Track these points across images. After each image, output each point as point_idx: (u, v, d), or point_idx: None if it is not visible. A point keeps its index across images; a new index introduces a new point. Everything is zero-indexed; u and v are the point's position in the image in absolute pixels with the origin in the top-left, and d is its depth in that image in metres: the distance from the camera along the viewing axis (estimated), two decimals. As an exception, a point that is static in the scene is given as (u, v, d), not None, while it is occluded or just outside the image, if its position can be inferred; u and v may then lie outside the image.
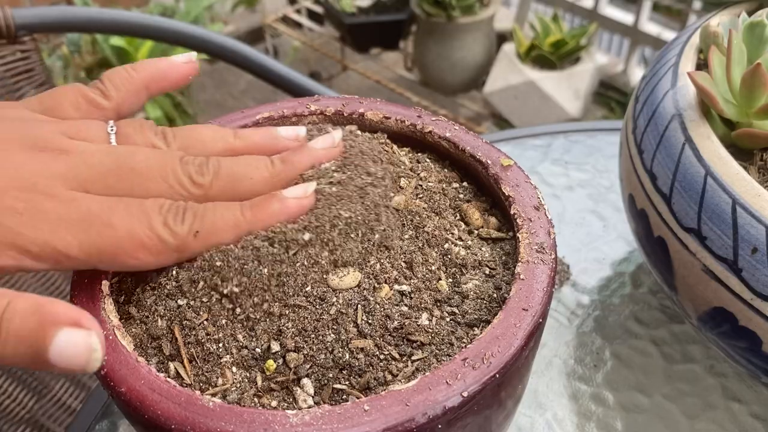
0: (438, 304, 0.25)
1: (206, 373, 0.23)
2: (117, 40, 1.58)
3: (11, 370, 0.59)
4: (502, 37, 1.73)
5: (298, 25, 2.07)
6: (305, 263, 0.25)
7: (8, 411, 0.58)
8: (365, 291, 0.25)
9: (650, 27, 1.53)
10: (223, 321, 0.24)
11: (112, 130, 0.26)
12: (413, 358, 0.23)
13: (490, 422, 0.24)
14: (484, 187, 0.30)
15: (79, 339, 0.20)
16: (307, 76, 0.67)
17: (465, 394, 0.22)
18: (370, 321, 0.24)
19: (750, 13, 0.34)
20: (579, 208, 0.49)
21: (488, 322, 0.24)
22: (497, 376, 0.22)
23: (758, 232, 0.27)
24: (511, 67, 1.56)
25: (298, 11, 2.07)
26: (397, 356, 0.23)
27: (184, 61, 0.29)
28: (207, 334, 0.24)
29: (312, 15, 2.05)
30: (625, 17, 1.57)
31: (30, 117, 0.25)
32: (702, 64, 0.35)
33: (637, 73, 1.61)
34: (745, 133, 0.30)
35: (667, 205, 0.31)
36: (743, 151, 0.30)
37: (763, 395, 0.37)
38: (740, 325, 0.29)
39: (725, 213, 0.28)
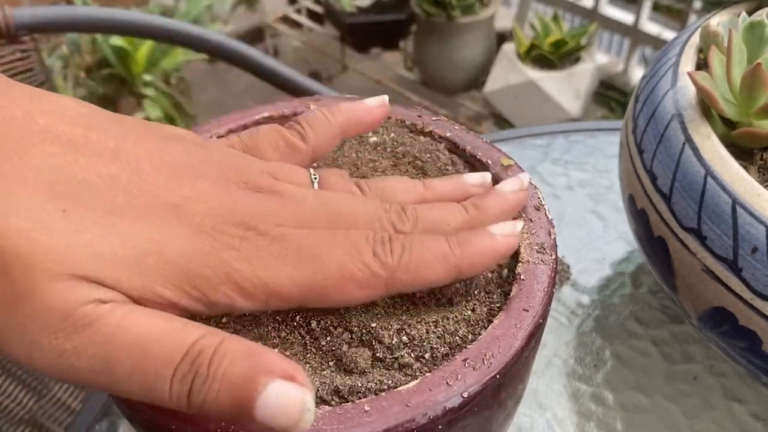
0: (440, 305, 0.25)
1: None
2: (117, 40, 1.58)
3: (11, 369, 0.59)
4: (502, 37, 1.73)
5: (298, 25, 2.07)
6: None
7: (8, 411, 0.58)
8: None
9: (650, 27, 1.53)
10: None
11: (315, 177, 0.26)
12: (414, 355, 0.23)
13: (490, 422, 0.24)
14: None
15: (293, 394, 0.18)
16: (307, 76, 0.67)
17: (465, 394, 0.22)
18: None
19: (750, 13, 0.34)
20: (579, 208, 0.49)
21: (489, 321, 0.24)
22: (498, 376, 0.22)
23: (758, 232, 0.27)
24: (511, 67, 1.56)
25: (298, 11, 2.07)
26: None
27: (378, 104, 0.29)
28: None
29: (312, 15, 2.05)
30: (625, 17, 1.57)
31: (239, 155, 0.25)
32: (702, 64, 0.35)
33: (637, 73, 1.61)
34: (745, 132, 0.30)
35: (667, 205, 0.31)
36: (743, 150, 0.30)
37: (763, 395, 0.37)
38: (740, 325, 0.29)
39: (725, 213, 0.28)
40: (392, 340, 0.23)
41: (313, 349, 0.23)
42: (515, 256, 0.27)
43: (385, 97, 0.29)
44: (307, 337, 0.24)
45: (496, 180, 0.29)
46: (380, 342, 0.23)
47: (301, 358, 0.23)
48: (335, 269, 0.22)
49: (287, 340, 0.24)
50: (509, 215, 0.27)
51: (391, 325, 0.24)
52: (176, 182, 0.22)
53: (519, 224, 0.26)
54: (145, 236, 0.20)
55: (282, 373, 0.18)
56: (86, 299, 0.19)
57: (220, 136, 0.31)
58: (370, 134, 0.32)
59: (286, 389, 0.18)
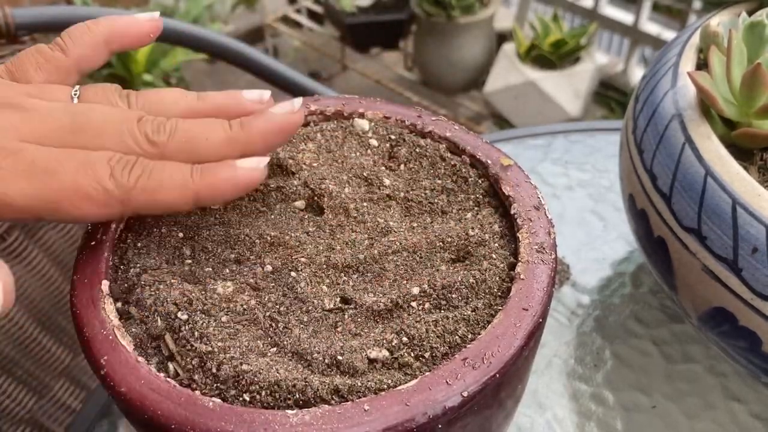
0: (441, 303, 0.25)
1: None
2: (117, 40, 1.58)
3: (11, 370, 0.59)
4: (502, 37, 1.73)
5: (298, 25, 2.07)
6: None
7: (8, 411, 0.58)
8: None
9: (650, 27, 1.53)
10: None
11: (75, 93, 0.26)
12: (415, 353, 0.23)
13: (490, 422, 0.24)
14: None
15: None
16: (307, 76, 0.67)
17: (465, 393, 0.22)
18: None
19: (750, 13, 0.34)
20: (579, 208, 0.49)
21: (488, 321, 0.24)
22: (497, 375, 0.22)
23: (758, 232, 0.27)
24: (511, 67, 1.56)
25: (298, 11, 2.07)
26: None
27: (147, 18, 0.29)
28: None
29: (312, 15, 2.05)
30: (625, 17, 1.57)
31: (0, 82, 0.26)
32: (702, 64, 0.35)
33: (637, 73, 1.61)
34: (745, 132, 0.30)
35: (667, 205, 0.31)
36: (743, 150, 0.30)
37: (763, 395, 0.37)
38: (740, 325, 0.29)
39: (725, 213, 0.28)
40: (392, 340, 0.23)
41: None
42: (515, 256, 0.26)
43: (156, 13, 0.30)
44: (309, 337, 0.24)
45: (496, 180, 0.29)
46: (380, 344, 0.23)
47: (303, 358, 0.23)
48: (68, 185, 0.23)
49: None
50: (275, 138, 0.27)
51: (391, 326, 0.24)
52: None
53: (264, 160, 0.26)
54: None
55: None
56: None
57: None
58: (371, 135, 0.32)
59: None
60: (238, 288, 0.26)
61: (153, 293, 0.25)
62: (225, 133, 0.26)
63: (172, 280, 0.25)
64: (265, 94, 0.28)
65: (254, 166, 0.25)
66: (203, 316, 0.24)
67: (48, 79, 0.27)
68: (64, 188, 0.23)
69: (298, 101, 0.27)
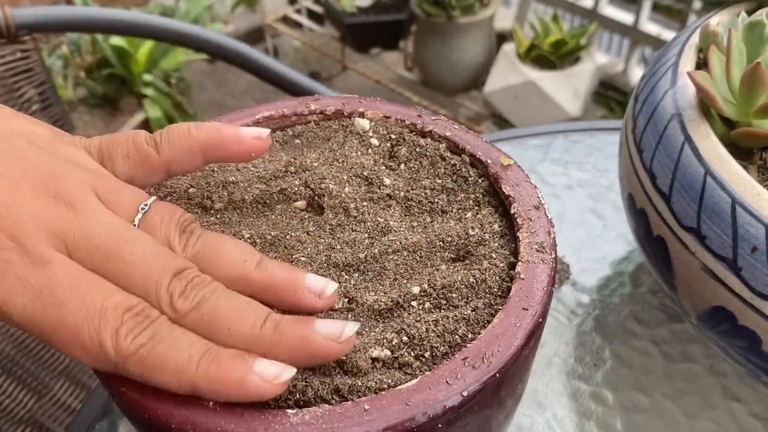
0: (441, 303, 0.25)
1: None
2: (117, 40, 1.58)
3: (11, 369, 0.59)
4: (502, 37, 1.73)
5: (298, 25, 2.07)
6: None
7: (8, 411, 0.58)
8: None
9: (650, 27, 1.53)
10: None
11: (143, 208, 0.24)
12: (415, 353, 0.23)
13: (490, 421, 0.24)
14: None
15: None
16: (307, 76, 0.67)
17: (465, 393, 0.22)
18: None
19: (750, 13, 0.34)
20: (579, 207, 0.49)
21: (488, 320, 0.24)
22: (497, 375, 0.22)
23: (758, 231, 0.27)
24: (511, 67, 1.56)
25: (298, 11, 2.07)
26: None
27: (253, 135, 0.27)
28: None
29: (312, 15, 2.05)
30: (625, 17, 1.57)
31: (75, 161, 0.24)
32: (702, 64, 0.35)
33: (637, 73, 1.61)
34: (745, 132, 0.30)
35: (666, 205, 0.31)
36: (743, 150, 0.30)
37: (763, 395, 0.37)
38: (740, 324, 0.29)
39: (725, 212, 0.28)
40: (392, 340, 0.23)
41: None
42: (515, 255, 0.27)
43: (266, 131, 0.27)
44: None
45: (496, 179, 0.29)
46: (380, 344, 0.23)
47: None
48: (69, 326, 0.21)
49: None
50: (302, 360, 0.22)
51: (391, 326, 0.24)
52: None
53: (289, 372, 0.21)
54: None
55: None
56: None
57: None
58: (371, 134, 0.32)
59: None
60: None
61: None
62: (252, 330, 0.22)
63: None
64: (330, 288, 0.24)
65: (272, 378, 0.21)
66: None
67: (132, 171, 0.26)
68: (62, 326, 0.21)
69: (351, 328, 0.22)
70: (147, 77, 1.63)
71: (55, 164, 0.23)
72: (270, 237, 0.27)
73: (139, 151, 0.26)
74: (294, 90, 0.66)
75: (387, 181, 0.30)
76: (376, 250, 0.27)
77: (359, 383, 0.22)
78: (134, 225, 0.24)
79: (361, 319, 0.25)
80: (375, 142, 0.31)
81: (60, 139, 0.25)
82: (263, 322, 0.22)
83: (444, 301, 0.25)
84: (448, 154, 0.31)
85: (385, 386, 0.22)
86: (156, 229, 0.24)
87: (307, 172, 0.30)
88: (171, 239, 0.24)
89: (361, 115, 0.33)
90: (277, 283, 0.24)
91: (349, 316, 0.25)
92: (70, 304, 0.21)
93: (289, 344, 0.22)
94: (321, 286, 0.24)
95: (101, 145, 0.26)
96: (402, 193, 0.29)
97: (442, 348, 0.23)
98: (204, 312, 0.22)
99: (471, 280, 0.25)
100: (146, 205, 0.24)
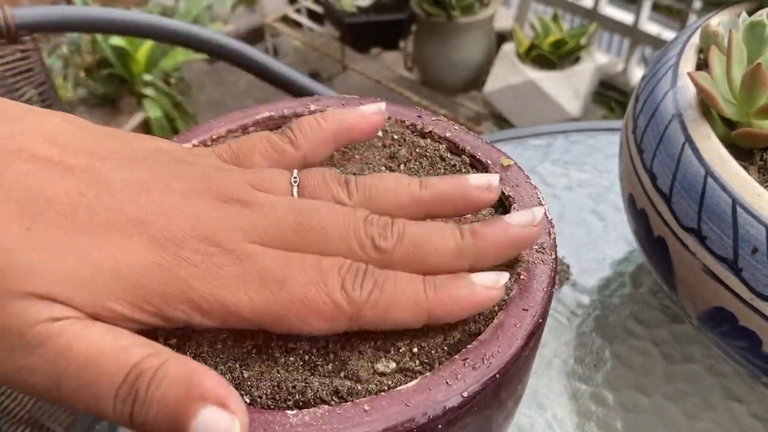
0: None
1: None
2: (117, 40, 1.58)
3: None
4: (502, 37, 1.73)
5: (298, 25, 2.07)
6: None
7: (8, 411, 0.58)
8: None
9: (650, 27, 1.53)
10: None
11: (295, 181, 0.25)
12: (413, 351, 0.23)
13: (490, 422, 0.24)
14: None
15: (222, 421, 0.18)
16: (307, 76, 0.67)
17: (465, 394, 0.22)
18: None
19: (750, 13, 0.34)
20: (579, 208, 0.49)
21: (488, 321, 0.24)
22: (497, 376, 0.22)
23: (758, 232, 0.27)
24: (511, 67, 1.56)
25: (298, 11, 2.07)
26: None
27: (374, 111, 0.28)
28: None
29: (312, 15, 2.05)
30: (625, 17, 1.57)
31: (219, 166, 0.25)
32: (702, 64, 0.35)
33: (637, 73, 1.61)
34: (745, 132, 0.30)
35: (667, 205, 0.31)
36: (743, 150, 0.30)
37: (763, 395, 0.37)
38: (740, 325, 0.29)
39: (725, 213, 0.28)
40: (400, 347, 0.23)
41: (316, 351, 0.23)
42: (515, 256, 0.26)
43: (382, 105, 0.29)
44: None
45: None
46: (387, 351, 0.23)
47: (306, 361, 0.23)
48: (298, 299, 0.22)
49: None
50: (510, 252, 0.25)
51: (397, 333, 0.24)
52: (143, 198, 0.22)
53: (504, 277, 0.24)
54: (102, 253, 0.21)
55: (215, 399, 0.19)
56: (40, 318, 0.19)
57: (219, 137, 0.31)
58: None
59: (217, 417, 0.18)
60: None
61: None
62: (455, 242, 0.24)
63: None
64: (494, 179, 0.26)
65: (492, 285, 0.23)
66: (197, 333, 0.24)
67: (269, 169, 0.26)
68: (293, 301, 0.21)
69: (540, 212, 0.25)
70: (147, 77, 1.63)
71: (207, 173, 0.24)
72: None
73: (276, 149, 0.27)
74: (294, 90, 0.66)
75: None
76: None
77: (359, 386, 0.22)
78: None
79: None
80: (375, 142, 0.31)
81: (194, 151, 0.26)
82: (461, 233, 0.24)
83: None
84: (448, 154, 0.31)
85: (385, 387, 0.22)
86: (318, 191, 0.25)
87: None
88: (336, 195, 0.25)
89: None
90: (446, 194, 0.25)
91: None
92: (290, 280, 0.22)
93: (494, 241, 0.24)
94: (485, 180, 0.26)
95: (232, 150, 0.26)
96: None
97: (444, 351, 0.23)
98: (406, 243, 0.23)
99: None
100: (295, 177, 0.25)
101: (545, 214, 0.28)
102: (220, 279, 0.21)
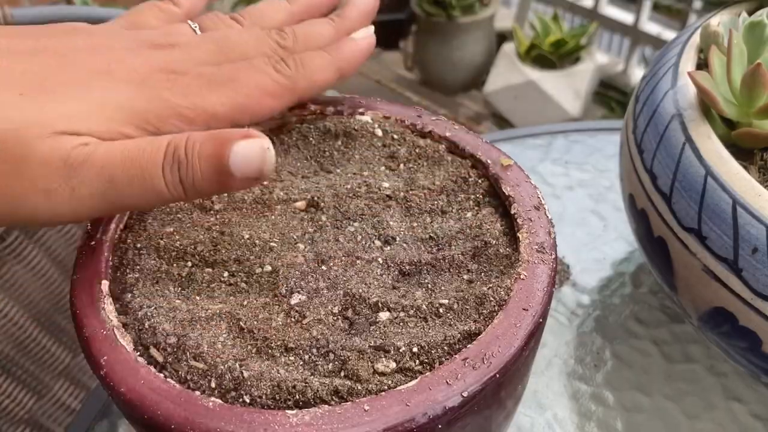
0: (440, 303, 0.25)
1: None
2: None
3: (11, 370, 0.59)
4: (502, 37, 1.73)
5: (298, 25, 2.07)
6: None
7: (8, 411, 0.58)
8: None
9: (650, 27, 1.53)
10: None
11: (195, 26, 0.30)
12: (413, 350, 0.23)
13: (490, 422, 0.24)
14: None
15: (253, 144, 0.23)
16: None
17: (465, 394, 0.22)
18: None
19: (750, 13, 0.34)
20: (579, 208, 0.49)
21: (489, 321, 0.24)
22: (497, 376, 0.22)
23: (758, 232, 0.27)
24: (511, 67, 1.56)
25: (298, 11, 2.07)
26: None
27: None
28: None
29: (312, 15, 2.05)
30: (625, 17, 1.57)
31: (131, 31, 0.29)
32: (702, 64, 0.35)
33: (637, 73, 1.61)
34: (746, 132, 0.30)
35: (667, 205, 0.31)
36: (743, 150, 0.30)
37: (763, 395, 0.37)
38: (740, 325, 0.29)
39: (725, 213, 0.28)
40: (400, 347, 0.23)
41: (316, 351, 0.23)
42: (516, 255, 0.26)
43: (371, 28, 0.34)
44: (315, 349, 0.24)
45: (496, 179, 0.29)
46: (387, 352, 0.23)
47: (308, 359, 0.23)
48: (253, 87, 0.28)
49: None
50: (369, 16, 0.33)
51: (396, 332, 0.24)
52: (98, 56, 0.26)
53: (370, 28, 0.32)
54: (96, 95, 0.25)
55: (240, 135, 0.23)
56: (73, 145, 0.23)
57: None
58: (377, 127, 0.32)
59: (248, 143, 0.23)
60: (238, 290, 0.26)
61: (145, 307, 0.24)
62: (331, 26, 0.32)
63: (167, 290, 0.25)
64: None
65: (367, 34, 0.32)
66: (197, 333, 0.24)
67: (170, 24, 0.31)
68: (250, 91, 0.27)
69: None
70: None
71: (129, 35, 0.29)
72: (269, 237, 0.27)
73: (164, 10, 0.32)
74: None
75: (387, 182, 0.30)
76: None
77: (359, 386, 0.22)
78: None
79: (365, 322, 0.25)
80: (375, 142, 0.31)
81: (105, 25, 0.30)
82: (332, 20, 0.32)
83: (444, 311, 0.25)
84: (448, 154, 0.31)
85: (385, 387, 0.22)
86: (216, 28, 0.31)
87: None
88: (233, 27, 0.31)
89: (361, 115, 0.32)
90: (311, 2, 0.34)
91: (354, 320, 0.25)
92: (243, 77, 0.28)
93: (356, 17, 0.33)
94: None
95: (128, 21, 0.31)
96: (402, 194, 0.29)
97: (444, 351, 0.23)
98: (301, 37, 0.31)
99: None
100: (194, 24, 0.31)
101: (543, 208, 0.28)
102: (193, 92, 0.26)
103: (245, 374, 0.22)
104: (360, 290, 0.25)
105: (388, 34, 1.83)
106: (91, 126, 0.24)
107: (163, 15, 0.31)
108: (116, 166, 0.23)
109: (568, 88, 1.51)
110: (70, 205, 0.23)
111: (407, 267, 0.26)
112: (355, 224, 0.28)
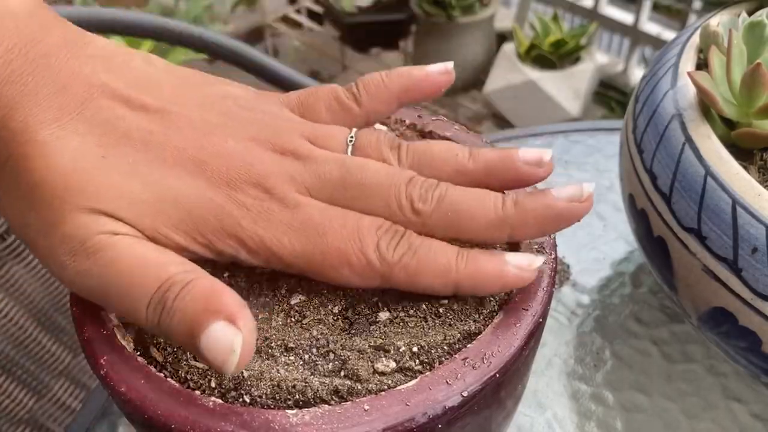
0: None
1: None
2: (117, 40, 1.58)
3: (11, 370, 0.59)
4: (502, 37, 1.73)
5: (298, 25, 2.07)
6: None
7: (8, 411, 0.58)
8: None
9: (650, 27, 1.53)
10: None
11: (351, 140, 0.26)
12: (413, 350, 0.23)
13: (490, 422, 0.24)
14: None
15: (225, 335, 0.20)
16: (307, 76, 0.67)
17: (465, 393, 0.22)
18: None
19: (750, 13, 0.34)
20: (579, 207, 0.49)
21: (489, 321, 0.24)
22: (497, 375, 0.22)
23: (758, 232, 0.27)
24: (511, 67, 1.56)
25: (298, 11, 2.07)
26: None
27: (440, 71, 0.28)
28: None
29: (312, 15, 2.05)
30: (625, 17, 1.57)
31: (280, 115, 0.27)
32: (702, 64, 0.35)
33: (637, 73, 1.61)
34: (745, 132, 0.30)
35: (667, 205, 0.31)
36: (743, 150, 0.30)
37: (763, 395, 0.37)
38: (740, 325, 0.29)
39: (725, 213, 0.28)
40: (400, 347, 0.23)
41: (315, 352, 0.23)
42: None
43: (450, 64, 0.29)
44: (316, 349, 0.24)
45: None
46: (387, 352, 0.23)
47: (308, 361, 0.23)
48: (334, 249, 0.23)
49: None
50: (552, 227, 0.24)
51: (397, 332, 0.24)
52: (206, 140, 0.24)
53: (539, 260, 0.24)
54: (165, 184, 0.23)
55: (226, 315, 0.20)
56: (102, 230, 0.22)
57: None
58: (380, 126, 0.32)
59: (223, 330, 0.20)
60: (237, 290, 0.26)
61: None
62: (495, 213, 0.24)
63: None
64: (546, 155, 0.25)
65: (526, 266, 0.24)
66: None
67: (334, 123, 0.27)
68: (329, 251, 0.23)
69: (589, 187, 0.25)
70: (147, 77, 1.62)
71: (269, 123, 0.26)
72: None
73: (341, 104, 0.28)
74: (294, 90, 0.66)
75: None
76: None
77: (359, 386, 0.22)
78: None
79: (365, 322, 0.25)
80: None
81: (262, 98, 0.27)
82: (503, 202, 0.24)
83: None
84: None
85: (385, 387, 0.22)
86: (369, 152, 0.26)
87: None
88: (386, 157, 0.26)
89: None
90: (493, 166, 0.25)
91: (354, 320, 0.25)
92: (330, 232, 0.23)
93: (536, 215, 0.24)
94: (537, 156, 0.25)
95: (300, 99, 0.28)
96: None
97: (444, 351, 0.23)
98: (445, 208, 0.24)
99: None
100: (352, 136, 0.26)
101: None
102: (267, 222, 0.23)
103: (245, 374, 0.22)
104: (360, 290, 0.25)
105: (388, 34, 1.83)
106: (135, 215, 0.23)
107: (338, 110, 0.28)
108: (116, 273, 0.22)
109: (568, 88, 1.51)
110: (73, 284, 0.23)
111: None
112: None
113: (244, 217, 0.23)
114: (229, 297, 0.21)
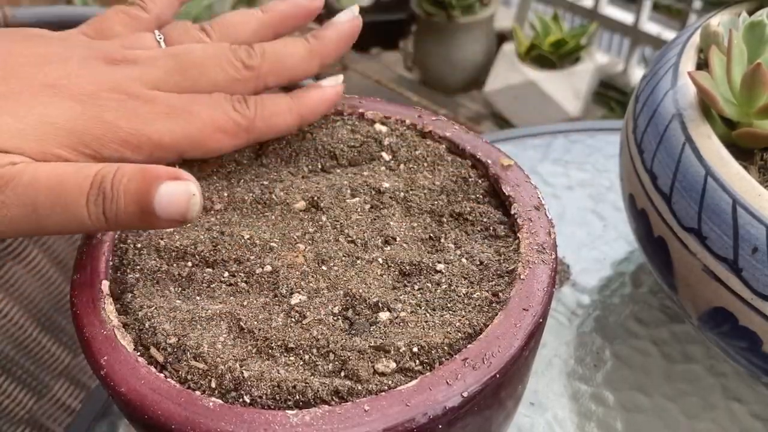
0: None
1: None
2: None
3: (11, 370, 0.59)
4: (502, 37, 1.73)
5: (298, 25, 2.07)
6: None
7: (8, 411, 0.58)
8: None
9: (650, 27, 1.53)
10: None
11: (160, 38, 0.29)
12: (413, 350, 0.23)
13: (490, 422, 0.24)
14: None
15: (179, 188, 0.22)
16: (307, 75, 0.67)
17: (465, 394, 0.22)
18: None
19: (750, 13, 0.34)
20: (579, 208, 0.49)
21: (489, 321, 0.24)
22: (497, 376, 0.22)
23: (758, 232, 0.27)
24: (511, 67, 1.56)
25: (298, 11, 2.07)
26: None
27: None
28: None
29: (312, 15, 2.05)
30: (625, 17, 1.57)
31: (91, 41, 0.29)
32: (702, 64, 0.35)
33: (637, 73, 1.61)
34: (746, 132, 0.30)
35: (667, 205, 0.31)
36: (744, 150, 0.30)
37: (763, 395, 0.37)
38: (740, 325, 0.29)
39: (725, 213, 0.28)
40: (400, 348, 0.23)
41: (316, 352, 0.23)
42: (516, 255, 0.26)
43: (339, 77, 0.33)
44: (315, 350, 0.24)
45: (496, 180, 0.29)
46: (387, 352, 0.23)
47: (309, 359, 0.23)
48: (207, 121, 0.27)
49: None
50: (346, 43, 0.31)
51: (397, 332, 0.24)
52: (47, 68, 0.26)
53: (340, 77, 0.31)
54: (36, 112, 0.24)
55: (168, 176, 0.22)
56: (1, 164, 0.23)
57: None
58: (381, 126, 0.32)
59: (174, 186, 0.22)
60: (238, 290, 0.26)
61: (145, 307, 0.24)
62: (305, 47, 0.30)
63: (168, 290, 0.25)
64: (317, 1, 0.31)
65: (335, 83, 0.31)
66: (197, 333, 0.24)
67: (130, 33, 0.30)
68: (204, 125, 0.27)
69: (354, 9, 0.32)
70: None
71: (87, 45, 0.28)
72: (269, 237, 0.27)
73: (131, 16, 0.30)
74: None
75: (387, 182, 0.30)
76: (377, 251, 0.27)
77: (359, 386, 0.22)
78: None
79: (365, 322, 0.25)
80: (387, 142, 0.31)
81: (64, 34, 0.29)
82: (306, 39, 0.30)
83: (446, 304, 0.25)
84: (448, 154, 0.31)
85: (386, 387, 0.22)
86: (182, 40, 0.30)
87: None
88: (198, 39, 0.30)
89: (361, 115, 0.32)
90: (284, 11, 0.31)
91: (354, 320, 0.25)
92: (195, 110, 0.27)
93: (332, 41, 0.31)
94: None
95: (93, 27, 0.30)
96: (402, 194, 0.29)
97: (444, 351, 0.23)
98: (270, 57, 0.29)
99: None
100: (160, 35, 0.30)
101: (543, 208, 0.27)
102: (140, 117, 0.26)
103: (245, 374, 0.22)
104: (360, 290, 0.25)
105: (388, 34, 1.83)
106: (23, 145, 0.24)
107: (130, 22, 0.30)
108: (40, 191, 0.22)
109: (568, 88, 1.51)
110: None
111: (407, 267, 0.26)
112: (356, 224, 0.28)
113: (117, 118, 0.25)
114: (160, 167, 0.22)
